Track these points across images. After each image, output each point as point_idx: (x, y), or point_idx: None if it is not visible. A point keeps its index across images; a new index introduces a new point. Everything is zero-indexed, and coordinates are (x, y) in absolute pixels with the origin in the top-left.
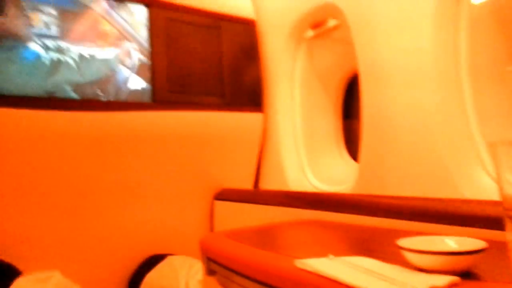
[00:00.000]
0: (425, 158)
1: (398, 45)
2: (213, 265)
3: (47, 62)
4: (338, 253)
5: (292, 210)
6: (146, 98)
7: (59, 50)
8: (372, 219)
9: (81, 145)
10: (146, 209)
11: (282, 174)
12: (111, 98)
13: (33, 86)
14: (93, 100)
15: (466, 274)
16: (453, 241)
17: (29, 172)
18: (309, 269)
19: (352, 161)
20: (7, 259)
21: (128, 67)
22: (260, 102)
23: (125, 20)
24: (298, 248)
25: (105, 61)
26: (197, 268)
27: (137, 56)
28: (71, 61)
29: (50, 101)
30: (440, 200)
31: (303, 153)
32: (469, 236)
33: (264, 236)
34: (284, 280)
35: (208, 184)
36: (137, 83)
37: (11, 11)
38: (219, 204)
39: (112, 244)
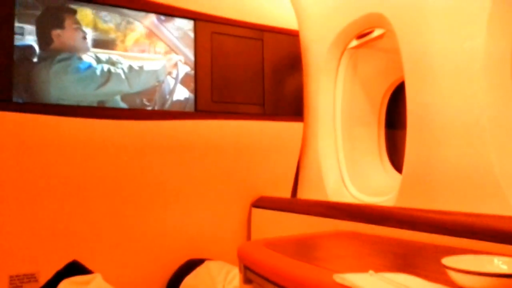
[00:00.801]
0: (474, 171)
1: (447, 54)
2: (250, 274)
3: (99, 73)
4: (379, 268)
5: (330, 221)
6: (190, 108)
7: (110, 62)
8: (415, 234)
9: (127, 152)
10: (185, 215)
11: (321, 183)
12: (157, 108)
13: (86, 96)
14: (139, 109)
15: None
16: (503, 261)
17: (78, 176)
18: (348, 284)
19: (395, 172)
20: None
21: (173, 78)
22: (300, 112)
23: (171, 33)
24: (337, 261)
25: (152, 72)
26: (233, 274)
27: (182, 68)
28: (121, 72)
29: (101, 110)
30: (489, 216)
31: (343, 163)
32: None
33: (303, 247)
34: None
35: (246, 191)
36: (182, 93)
37: (68, 24)
38: (257, 211)
39: (152, 248)
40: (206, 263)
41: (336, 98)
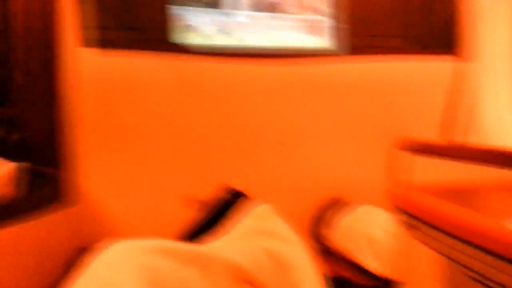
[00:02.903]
0: None
1: None
2: (412, 219)
3: None
4: None
5: (491, 170)
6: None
7: None
8: None
9: (269, 93)
10: (328, 155)
11: (479, 127)
12: None
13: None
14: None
15: None
16: None
17: (220, 118)
18: None
19: None
20: None
21: None
22: (453, 44)
23: None
24: (506, 212)
25: None
26: (388, 220)
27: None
28: None
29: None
30: None
31: (509, 104)
32: None
33: (462, 195)
34: (494, 241)
35: (390, 133)
36: None
37: None
38: (401, 154)
39: (296, 184)
40: (362, 207)
41: (504, 26)
